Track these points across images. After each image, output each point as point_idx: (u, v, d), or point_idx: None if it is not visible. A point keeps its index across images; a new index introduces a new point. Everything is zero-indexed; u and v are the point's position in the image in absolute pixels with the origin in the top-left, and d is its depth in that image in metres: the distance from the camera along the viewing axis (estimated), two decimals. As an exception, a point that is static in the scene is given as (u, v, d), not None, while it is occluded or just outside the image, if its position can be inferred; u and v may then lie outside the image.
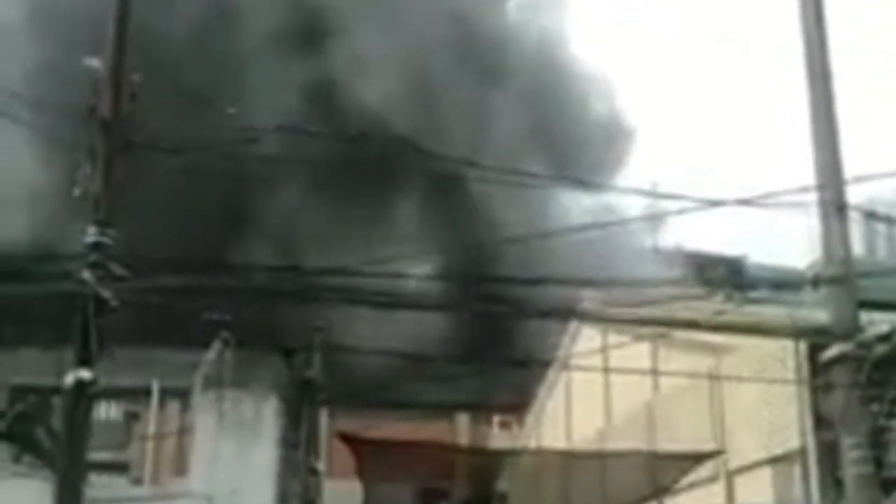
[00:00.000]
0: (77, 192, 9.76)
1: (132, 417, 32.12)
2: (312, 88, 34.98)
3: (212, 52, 33.31)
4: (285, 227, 34.08)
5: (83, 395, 9.47)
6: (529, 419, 26.47)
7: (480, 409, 32.58)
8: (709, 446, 15.14)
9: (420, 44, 35.29)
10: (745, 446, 14.82)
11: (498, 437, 31.04)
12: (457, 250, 27.54)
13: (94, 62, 9.98)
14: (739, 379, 14.36)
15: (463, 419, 33.32)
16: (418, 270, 13.39)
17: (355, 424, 20.05)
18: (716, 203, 11.32)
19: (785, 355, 13.16)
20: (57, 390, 10.05)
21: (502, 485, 15.57)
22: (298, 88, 34.64)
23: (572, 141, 38.03)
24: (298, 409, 15.51)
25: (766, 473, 14.35)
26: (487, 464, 16.17)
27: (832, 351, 11.09)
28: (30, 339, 24.25)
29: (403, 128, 32.35)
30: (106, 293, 9.33)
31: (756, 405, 14.47)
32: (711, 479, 15.38)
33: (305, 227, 33.85)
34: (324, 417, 21.02)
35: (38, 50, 30.21)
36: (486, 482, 15.57)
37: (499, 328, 27.95)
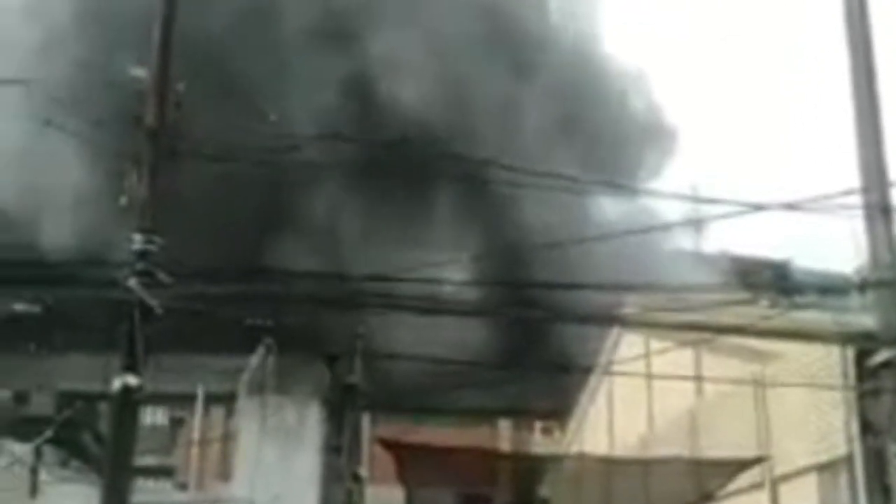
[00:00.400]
0: (123, 200, 9.87)
1: (177, 423, 32.42)
2: (348, 85, 35.08)
3: (249, 50, 33.51)
4: (324, 231, 34.25)
5: (129, 401, 9.57)
6: (571, 425, 26.37)
7: (522, 415, 32.49)
8: (753, 453, 14.99)
9: (455, 40, 35.21)
10: (791, 453, 14.65)
11: (540, 443, 30.95)
12: (494, 255, 27.49)
13: (140, 72, 10.10)
14: (785, 385, 14.21)
15: (505, 425, 33.25)
16: (454, 276, 13.41)
17: (397, 430, 20.11)
18: (759, 207, 11.22)
19: (831, 361, 13.00)
20: (104, 396, 10.17)
21: (544, 490, 15.52)
22: (334, 85, 34.78)
23: (610, 140, 37.70)
24: (341, 415, 15.57)
25: (811, 480, 14.18)
26: (529, 469, 16.14)
27: (879, 356, 10.96)
28: (78, 345, 24.57)
29: (438, 125, 32.48)
30: (152, 300, 9.43)
31: (802, 411, 14.31)
32: (756, 486, 15.22)
33: (344, 230, 33.99)
34: (366, 423, 21.09)
35: (84, 53, 30.60)
36: (527, 488, 15.53)
37: (537, 334, 27.89)
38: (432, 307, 11.79)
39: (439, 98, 34.16)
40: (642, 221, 25.81)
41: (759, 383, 15.37)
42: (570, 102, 37.48)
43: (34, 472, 13.88)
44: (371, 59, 35.20)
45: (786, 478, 14.90)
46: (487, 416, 32.04)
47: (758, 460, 14.75)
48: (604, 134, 37.74)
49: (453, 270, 15.09)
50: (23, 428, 13.97)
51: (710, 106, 66.72)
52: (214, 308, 10.84)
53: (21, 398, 15.46)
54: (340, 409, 15.53)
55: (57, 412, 15.22)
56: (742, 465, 14.38)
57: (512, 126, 34.60)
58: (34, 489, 13.78)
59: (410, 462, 14.79)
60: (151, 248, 9.65)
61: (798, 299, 13.80)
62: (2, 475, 13.36)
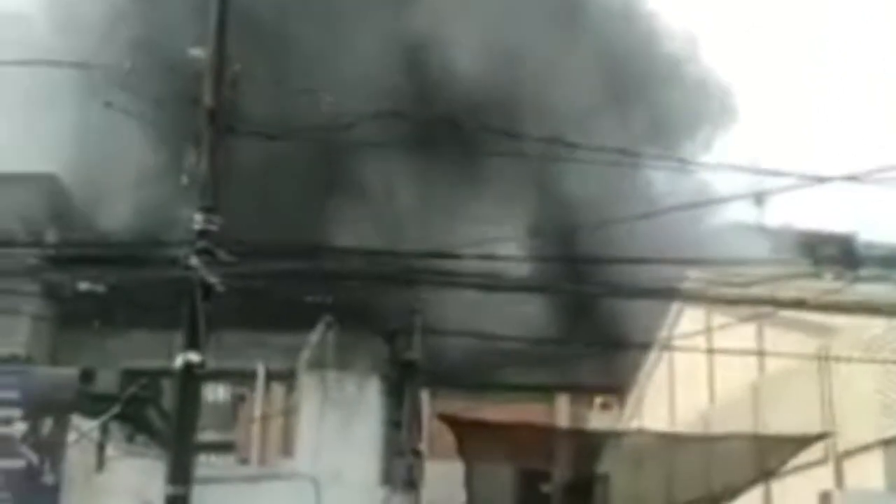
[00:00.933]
0: (184, 179, 9.99)
1: (239, 399, 32.85)
2: (400, 48, 35.04)
3: (303, 22, 33.55)
4: (380, 206, 34.35)
5: (192, 377, 9.72)
6: (630, 401, 26.27)
7: (580, 391, 32.39)
8: (817, 429, 14.81)
9: (503, 6, 34.86)
10: (855, 428, 14.47)
11: (598, 419, 30.83)
12: (549, 231, 27.37)
13: (198, 52, 10.18)
14: (849, 359, 14.01)
15: (563, 401, 33.17)
16: (510, 251, 13.36)
17: (456, 406, 20.17)
18: (822, 179, 11.03)
19: (896, 335, 12.80)
20: (167, 373, 10.34)
21: (603, 467, 15.48)
22: (385, 48, 34.77)
23: (660, 106, 37.07)
24: (400, 391, 15.65)
25: (877, 456, 14.00)
26: (588, 445, 16.10)
27: (947, 330, 10.74)
28: (141, 323, 24.97)
29: (487, 93, 32.38)
30: (213, 278, 9.54)
31: (866, 386, 14.11)
32: (820, 462, 15.05)
33: (399, 205, 34.04)
34: (425, 399, 21.17)
35: (143, 34, 30.93)
36: (586, 464, 15.50)
37: (594, 309, 27.72)
38: (489, 283, 11.78)
39: (488, 65, 33.94)
40: (697, 195, 25.51)
41: (822, 358, 15.17)
42: (618, 65, 36.85)
43: (101, 447, 14.15)
44: (422, 20, 35.04)
45: (850, 454, 14.72)
46: (546, 392, 31.99)
47: (821, 436, 14.58)
48: (653, 99, 37.07)
49: (508, 246, 15.05)
50: (89, 404, 14.25)
51: (765, 77, 65.56)
52: (274, 285, 10.94)
53: (87, 376, 15.79)
54: (399, 384, 15.61)
55: (122, 389, 15.48)
56: (805, 441, 14.21)
57: (559, 92, 34.22)
58: (101, 464, 14.06)
59: (469, 438, 14.85)
60: (212, 226, 9.76)
61: (862, 273, 13.56)
62: (70, 450, 13.64)
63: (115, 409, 13.62)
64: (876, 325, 13.26)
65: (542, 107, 32.27)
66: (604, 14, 37.86)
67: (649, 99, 37.14)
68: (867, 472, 14.15)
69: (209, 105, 9.99)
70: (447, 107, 30.76)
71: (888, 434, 13.53)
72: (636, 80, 37.10)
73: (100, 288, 10.93)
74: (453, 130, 11.71)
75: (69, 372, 14.64)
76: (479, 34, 33.94)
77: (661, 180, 32.29)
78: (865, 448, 14.23)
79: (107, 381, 21.97)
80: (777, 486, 16.15)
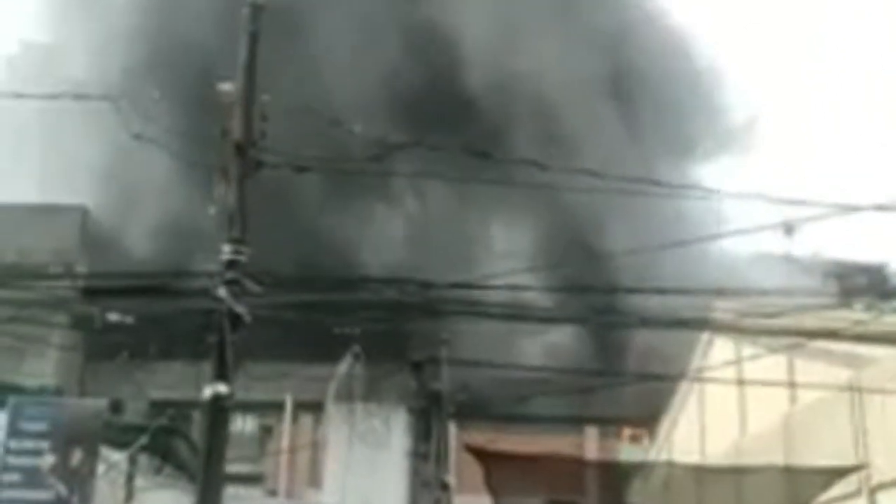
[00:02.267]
0: (212, 211, 10.05)
1: (266, 430, 32.89)
2: (411, 32, 35.28)
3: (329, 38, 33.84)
4: (401, 237, 34.47)
5: (220, 409, 9.72)
6: (660, 432, 26.04)
7: (610, 423, 32.20)
8: (850, 461, 14.61)
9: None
10: (889, 461, 14.25)
11: (628, 451, 30.61)
12: (573, 261, 27.29)
13: (227, 86, 10.28)
14: (882, 391, 13.83)
15: (592, 432, 32.98)
16: (534, 282, 13.33)
17: (483, 437, 20.08)
18: (852, 209, 10.94)
19: (930, 366, 12.63)
20: (195, 404, 10.35)
21: (632, 499, 15.34)
22: (398, 34, 35.03)
23: (664, 100, 36.94)
24: (427, 422, 15.62)
25: (911, 489, 13.78)
26: (617, 477, 15.97)
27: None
28: (169, 355, 25.08)
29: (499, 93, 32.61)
30: (241, 309, 9.57)
31: (900, 418, 13.91)
32: (853, 496, 14.83)
33: (419, 235, 34.16)
34: (452, 430, 21.09)
35: (174, 69, 31.29)
36: (615, 496, 15.37)
37: (619, 341, 27.59)
38: (517, 314, 11.75)
39: (498, 61, 34.14)
40: (720, 224, 25.39)
41: (855, 389, 14.98)
42: (619, 54, 36.80)
43: (130, 478, 14.19)
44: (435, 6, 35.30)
45: (884, 486, 14.49)
46: (574, 423, 31.84)
47: (855, 468, 14.37)
48: (656, 92, 36.94)
49: (534, 277, 15.01)
50: (118, 436, 14.30)
51: (794, 104, 65.25)
52: (302, 316, 10.95)
53: (116, 407, 15.89)
54: (427, 416, 15.57)
55: (150, 420, 15.54)
56: (838, 473, 14.02)
57: (561, 83, 34.29)
58: (130, 495, 14.10)
59: (497, 469, 14.75)
60: (240, 257, 9.80)
61: (894, 303, 13.41)
62: (99, 482, 13.68)
63: (144, 440, 13.66)
64: (909, 356, 13.10)
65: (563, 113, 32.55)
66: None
67: (651, 90, 37.00)
68: (902, 506, 13.93)
69: (237, 138, 10.08)
70: (467, 128, 31.08)
71: (923, 467, 13.33)
72: (638, 71, 36.97)
73: (129, 319, 10.98)
74: (480, 159, 11.79)
75: (98, 403, 14.72)
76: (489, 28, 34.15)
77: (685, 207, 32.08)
78: (900, 481, 14.02)
79: (135, 412, 22.08)
80: (810, 520, 15.92)
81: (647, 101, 36.75)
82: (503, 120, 34.78)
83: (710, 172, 37.91)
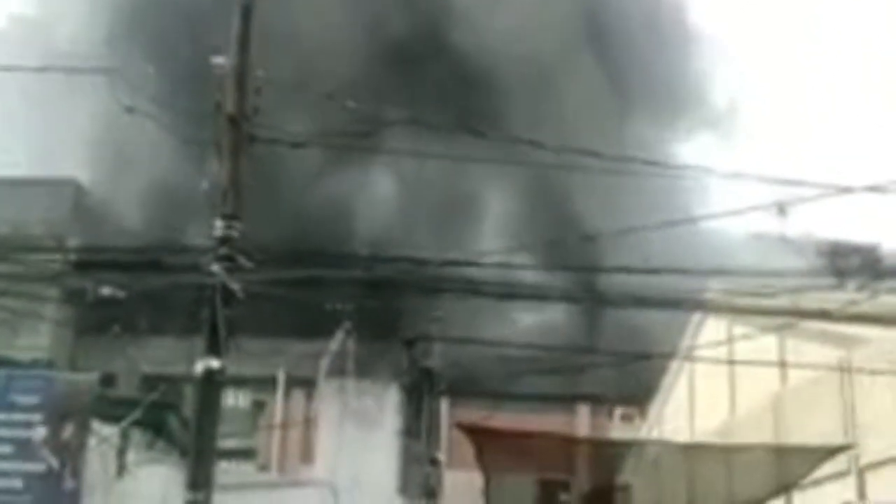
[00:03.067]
0: (205, 185, 10.01)
1: (259, 406, 32.91)
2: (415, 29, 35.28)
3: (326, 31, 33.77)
4: (395, 214, 34.46)
5: (212, 384, 9.72)
6: (652, 411, 26.14)
7: (601, 401, 32.29)
8: (839, 440, 14.69)
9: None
10: (878, 441, 14.32)
11: (619, 429, 30.71)
12: (568, 240, 27.27)
13: (220, 59, 10.21)
14: (872, 371, 13.88)
15: (583, 411, 33.07)
16: (527, 261, 13.32)
17: (475, 415, 20.12)
18: (845, 189, 10.93)
19: (921, 347, 12.67)
20: (187, 379, 10.35)
21: (624, 477, 15.40)
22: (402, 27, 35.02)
23: (642, 57, 36.89)
24: (419, 399, 15.64)
25: (900, 469, 13.86)
26: (609, 455, 16.03)
27: (972, 342, 10.61)
28: (162, 329, 25.07)
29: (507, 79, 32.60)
30: (233, 285, 9.55)
31: (889, 398, 13.97)
32: (842, 475, 14.91)
33: (412, 213, 34.14)
34: (444, 407, 21.14)
35: (166, 41, 31.13)
36: (607, 474, 15.43)
37: (615, 319, 27.60)
38: (510, 292, 11.75)
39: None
40: (705, 201, 25.37)
41: (845, 369, 15.04)
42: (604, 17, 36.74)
43: (121, 453, 14.20)
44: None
45: (872, 466, 14.57)
46: (566, 402, 31.91)
47: (843, 448, 14.45)
48: (643, 60, 36.83)
49: (526, 256, 15.00)
50: (109, 410, 14.30)
51: (789, 86, 65.13)
52: (294, 292, 10.94)
53: (108, 381, 15.89)
54: (418, 393, 15.60)
55: (142, 395, 15.55)
56: (827, 452, 14.10)
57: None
58: (121, 470, 14.12)
59: (488, 447, 14.80)
60: (232, 233, 9.77)
61: (886, 283, 13.43)
62: (90, 455, 13.69)
63: (136, 415, 13.67)
64: (899, 337, 13.16)
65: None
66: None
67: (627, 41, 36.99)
68: (890, 486, 14.00)
69: (231, 112, 10.02)
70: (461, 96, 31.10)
71: (912, 447, 13.41)
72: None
73: (121, 293, 10.96)
74: (475, 136, 11.74)
75: (90, 377, 14.70)
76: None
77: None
78: (888, 460, 14.09)
79: (127, 386, 22.08)
80: (798, 498, 16.01)
81: (635, 68, 36.70)
82: (492, 83, 34.81)
83: (695, 147, 37.99)
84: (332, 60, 31.48)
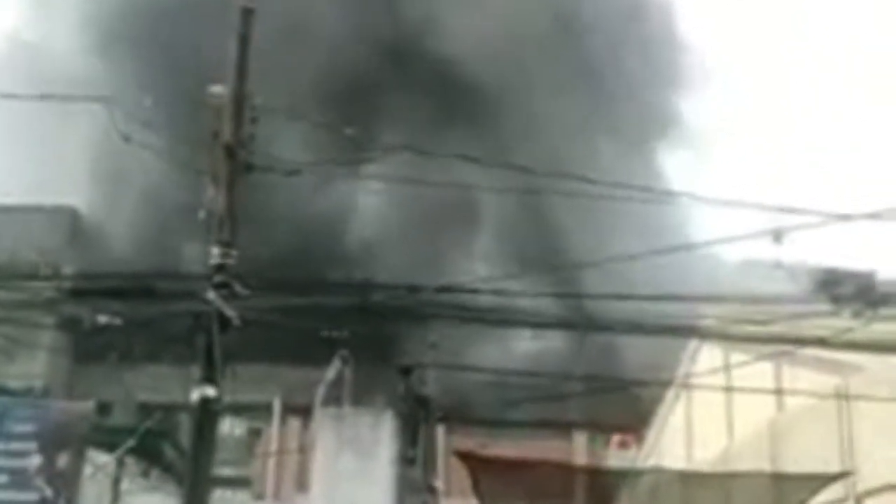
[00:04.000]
0: (202, 214, 10.04)
1: (254, 434, 32.81)
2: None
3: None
4: (390, 243, 34.52)
5: (208, 412, 9.70)
6: (649, 439, 26.06)
7: (598, 429, 32.22)
8: (837, 468, 14.66)
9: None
10: (876, 468, 14.30)
11: (616, 457, 30.63)
12: (562, 268, 27.33)
13: (217, 88, 10.27)
14: (869, 398, 13.88)
15: (580, 438, 33.00)
16: (523, 288, 13.32)
17: (472, 442, 20.06)
18: (843, 217, 10.97)
19: (917, 374, 12.68)
20: (183, 407, 10.33)
21: (621, 505, 15.36)
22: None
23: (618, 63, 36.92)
24: (415, 427, 15.60)
25: (897, 497, 13.84)
26: (606, 483, 15.98)
27: (968, 369, 10.62)
28: (158, 357, 25.03)
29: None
30: (229, 312, 9.55)
31: (887, 425, 13.96)
32: (840, 502, 14.88)
33: (403, 239, 34.21)
34: (441, 435, 21.09)
35: (163, 71, 31.25)
36: (604, 502, 15.38)
37: (610, 347, 27.59)
38: (505, 318, 11.75)
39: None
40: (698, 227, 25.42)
41: (842, 396, 15.04)
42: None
43: (117, 481, 14.14)
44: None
45: (870, 493, 14.54)
46: (563, 429, 31.84)
47: (841, 475, 14.43)
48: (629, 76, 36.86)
49: (521, 283, 15.02)
50: (105, 438, 14.25)
51: (790, 112, 65.36)
52: (290, 320, 10.94)
53: (103, 409, 15.86)
54: (414, 420, 15.56)
55: (138, 423, 15.50)
56: (825, 480, 14.06)
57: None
58: (116, 498, 14.05)
59: (485, 475, 14.75)
60: (229, 260, 9.79)
61: (882, 311, 13.45)
62: (85, 484, 13.63)
63: (131, 443, 13.62)
64: (895, 364, 13.15)
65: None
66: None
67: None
68: (888, 512, 13.98)
69: (227, 141, 10.06)
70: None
71: (909, 474, 13.39)
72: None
73: (117, 321, 10.95)
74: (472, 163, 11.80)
75: (85, 405, 14.64)
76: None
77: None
78: (886, 487, 14.07)
79: (123, 414, 22.01)
80: (796, 526, 15.95)
81: (620, 82, 36.76)
82: (475, 87, 34.98)
83: (678, 163, 38.02)
84: (319, 71, 31.67)
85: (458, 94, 34.52)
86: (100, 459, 13.75)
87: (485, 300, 11.04)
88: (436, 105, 34.45)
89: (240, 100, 10.20)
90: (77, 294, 12.28)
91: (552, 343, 29.99)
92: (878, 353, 12.76)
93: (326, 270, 27.18)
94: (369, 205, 35.18)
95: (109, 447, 13.92)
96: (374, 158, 11.19)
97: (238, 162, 10.03)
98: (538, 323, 12.74)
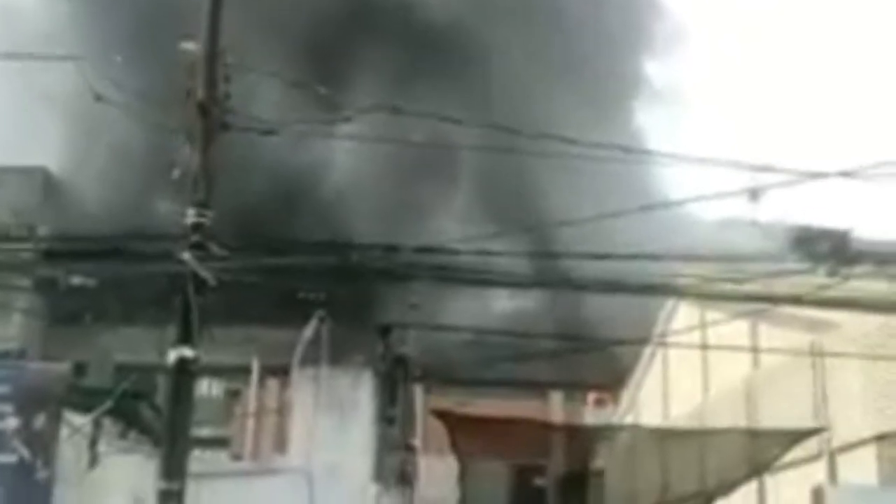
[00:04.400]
0: (176, 173, 9.93)
1: (233, 395, 32.84)
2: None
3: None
4: (370, 202, 34.41)
5: (185, 373, 9.66)
6: (625, 396, 26.28)
7: (575, 387, 32.42)
8: (810, 424, 14.83)
9: None
10: (849, 424, 14.47)
11: (593, 415, 30.87)
12: (541, 226, 27.31)
13: (190, 45, 10.12)
14: (843, 355, 14.01)
15: (557, 396, 33.22)
16: (502, 248, 13.31)
17: (450, 401, 20.15)
18: (817, 175, 10.99)
19: (890, 331, 12.79)
20: (160, 368, 10.29)
21: (598, 462, 15.47)
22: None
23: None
24: (394, 386, 15.61)
25: (870, 451, 14.00)
26: (583, 441, 16.10)
27: (940, 326, 10.71)
28: (134, 319, 24.93)
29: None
30: (205, 273, 9.49)
31: (860, 382, 14.11)
32: (813, 458, 15.06)
33: (385, 202, 34.10)
34: (419, 394, 21.14)
35: (135, 28, 30.86)
36: (581, 459, 15.50)
37: (588, 305, 27.68)
38: (484, 279, 11.74)
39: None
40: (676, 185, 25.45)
41: (816, 354, 15.17)
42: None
43: (94, 443, 14.08)
44: None
45: (843, 449, 14.72)
46: (540, 388, 32.03)
47: (815, 431, 14.59)
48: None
49: (501, 243, 15.00)
50: (82, 399, 14.17)
51: (766, 73, 65.46)
52: (267, 280, 10.89)
53: (79, 370, 15.80)
54: (393, 380, 15.57)
55: (115, 384, 15.43)
56: (799, 436, 14.22)
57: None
58: (94, 460, 14.00)
59: (463, 433, 14.82)
60: (204, 220, 9.70)
61: (857, 269, 13.53)
62: (62, 445, 13.57)
63: (108, 404, 13.54)
64: (869, 322, 13.26)
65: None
66: None
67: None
68: (860, 468, 14.16)
69: (201, 99, 9.93)
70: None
71: (881, 430, 13.54)
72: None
73: (92, 282, 10.86)
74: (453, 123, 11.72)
75: (62, 367, 14.54)
76: None
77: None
78: (859, 443, 14.24)
79: (99, 376, 21.93)
80: (771, 481, 16.16)
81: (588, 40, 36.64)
82: (451, 46, 34.85)
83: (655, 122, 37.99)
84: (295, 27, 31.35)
85: (434, 51, 34.31)
86: (76, 421, 13.67)
87: (463, 260, 11.02)
88: (412, 62, 34.21)
89: (213, 57, 10.06)
90: (51, 255, 12.17)
91: (529, 303, 30.08)
92: (852, 311, 12.85)
93: (304, 229, 27.09)
94: (346, 162, 35.01)
95: (86, 409, 13.84)
96: (350, 118, 11.06)
97: (212, 120, 9.91)
98: (516, 283, 12.74)
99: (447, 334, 20.73)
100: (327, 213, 32.74)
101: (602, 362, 27.54)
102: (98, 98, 10.03)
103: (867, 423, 14.00)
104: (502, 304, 30.26)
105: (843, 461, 14.84)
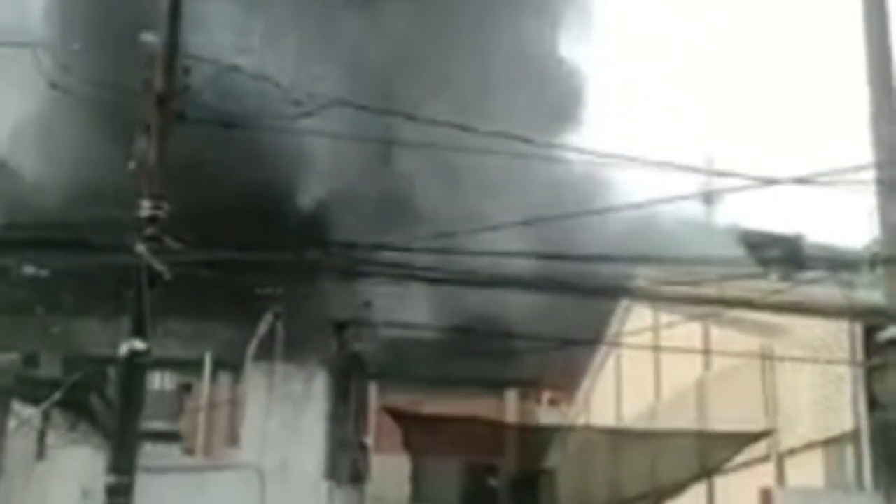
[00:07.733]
0: (132, 165, 9.86)
1: (185, 389, 32.59)
2: None
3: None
4: (326, 199, 34.31)
5: (136, 366, 9.59)
6: (579, 397, 26.41)
7: (529, 386, 32.54)
8: (760, 426, 15.00)
9: None
10: (798, 427, 14.66)
11: (547, 415, 31.01)
12: (499, 227, 27.37)
13: (149, 36, 10.04)
14: (793, 359, 14.19)
15: (511, 396, 33.32)
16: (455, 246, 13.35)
17: (404, 400, 20.14)
18: (771, 181, 11.14)
19: (840, 336, 12.97)
20: (111, 360, 10.20)
21: (550, 461, 15.56)
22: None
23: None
24: (347, 384, 15.58)
25: (818, 455, 14.19)
26: (536, 440, 16.17)
27: (887, 332, 10.91)
28: (86, 310, 24.65)
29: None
30: (159, 266, 9.42)
31: (809, 386, 14.30)
32: (762, 460, 15.23)
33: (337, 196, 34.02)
34: (373, 392, 21.12)
35: (93, 18, 30.51)
36: (534, 459, 15.57)
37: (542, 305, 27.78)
38: (439, 277, 11.76)
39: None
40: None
41: (767, 357, 15.35)
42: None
43: (42, 434, 13.93)
44: None
45: (792, 452, 14.90)
46: (494, 387, 32.10)
47: (764, 434, 14.76)
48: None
49: (459, 241, 15.03)
50: (31, 390, 14.01)
51: (723, 80, 66.10)
52: (222, 275, 10.83)
53: (29, 361, 15.61)
54: (347, 377, 15.54)
55: (65, 375, 15.26)
56: (748, 438, 14.39)
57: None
58: (42, 451, 13.84)
59: (416, 431, 14.84)
60: (159, 213, 9.64)
61: (808, 274, 13.72)
62: (10, 438, 13.42)
63: (58, 396, 13.40)
64: (820, 326, 13.44)
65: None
66: None
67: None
68: (808, 471, 14.34)
69: (159, 91, 9.86)
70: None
71: (829, 433, 13.73)
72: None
73: (43, 272, 10.75)
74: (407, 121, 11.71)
75: (11, 357, 14.37)
76: None
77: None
78: (807, 447, 14.42)
79: (50, 367, 21.66)
80: (720, 483, 16.33)
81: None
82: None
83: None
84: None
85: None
86: (25, 412, 13.51)
87: (420, 259, 11.03)
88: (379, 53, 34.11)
89: (172, 49, 9.99)
90: (3, 244, 12.01)
91: (487, 301, 30.11)
92: (803, 316, 13.03)
93: (263, 223, 26.94)
94: (311, 154, 34.85)
95: (35, 400, 13.68)
96: (314, 113, 11.02)
97: (170, 112, 9.85)
98: (470, 281, 12.78)
99: (404, 332, 20.72)
100: (288, 209, 32.61)
101: (557, 362, 27.68)
102: (53, 86, 9.92)
103: (815, 427, 14.18)
104: (460, 303, 30.32)
105: (791, 464, 15.02)
